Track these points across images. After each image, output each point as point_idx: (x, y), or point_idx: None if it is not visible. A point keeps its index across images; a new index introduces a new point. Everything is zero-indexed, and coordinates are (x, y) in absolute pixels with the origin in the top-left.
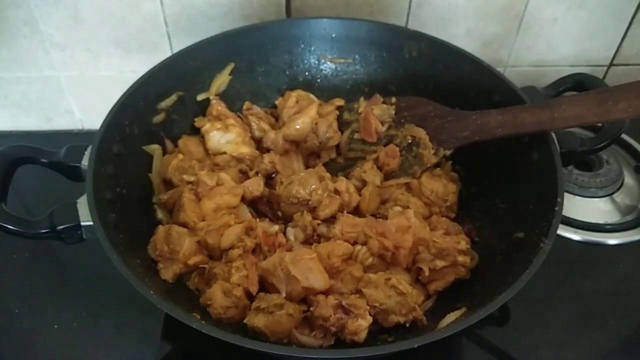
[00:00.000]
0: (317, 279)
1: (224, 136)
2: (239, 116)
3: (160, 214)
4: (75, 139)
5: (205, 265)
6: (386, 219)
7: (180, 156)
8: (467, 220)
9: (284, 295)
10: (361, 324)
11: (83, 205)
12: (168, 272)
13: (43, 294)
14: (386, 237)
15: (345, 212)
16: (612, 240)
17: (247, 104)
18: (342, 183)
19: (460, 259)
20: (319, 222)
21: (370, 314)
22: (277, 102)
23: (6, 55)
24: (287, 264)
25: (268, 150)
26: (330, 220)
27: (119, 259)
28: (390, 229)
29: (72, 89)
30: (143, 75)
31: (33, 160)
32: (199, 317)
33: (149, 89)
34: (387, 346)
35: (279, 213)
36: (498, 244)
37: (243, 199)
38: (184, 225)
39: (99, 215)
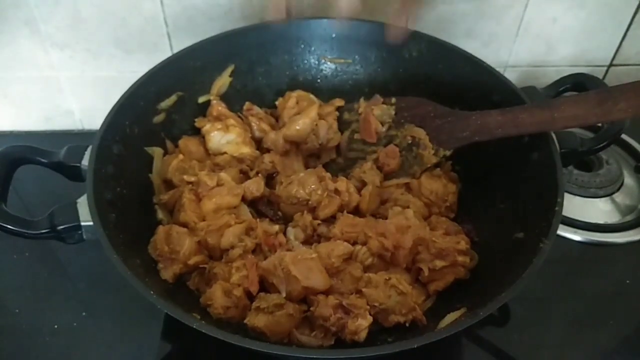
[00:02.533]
0: (318, 279)
1: (224, 136)
2: (239, 116)
3: (160, 214)
4: (75, 139)
5: (205, 266)
6: (386, 219)
7: (181, 156)
8: (466, 220)
9: (284, 295)
10: (361, 324)
11: (83, 206)
12: (168, 272)
13: (43, 294)
14: (386, 237)
15: (345, 212)
16: (612, 240)
17: (247, 105)
18: (342, 183)
19: (460, 259)
20: (319, 222)
21: (370, 314)
22: (277, 103)
23: (6, 55)
24: (287, 264)
25: (268, 151)
26: (330, 220)
27: (119, 259)
28: (389, 229)
29: (72, 89)
30: (143, 75)
31: (33, 160)
32: (199, 317)
33: (149, 89)
34: (387, 346)
35: (279, 213)
36: (498, 244)
37: (243, 199)
38: (184, 225)
39: (99, 216)
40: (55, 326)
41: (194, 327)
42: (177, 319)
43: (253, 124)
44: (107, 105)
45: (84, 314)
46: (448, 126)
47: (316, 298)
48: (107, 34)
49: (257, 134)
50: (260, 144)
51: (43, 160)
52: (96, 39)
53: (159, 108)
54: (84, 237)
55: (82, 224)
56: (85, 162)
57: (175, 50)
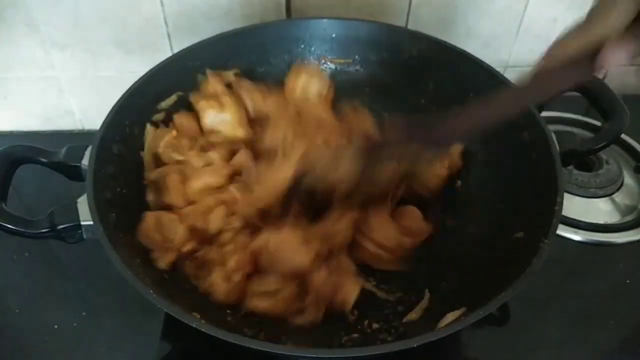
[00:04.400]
0: (301, 258)
1: (218, 115)
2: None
3: (150, 196)
4: (75, 139)
5: (198, 254)
6: None
7: (174, 132)
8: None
9: (277, 277)
10: (353, 290)
11: (83, 205)
12: (163, 261)
13: (43, 294)
14: None
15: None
16: (612, 240)
17: (234, 76)
18: None
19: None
20: None
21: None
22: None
23: (6, 55)
24: (271, 249)
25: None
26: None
27: (119, 258)
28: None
29: (72, 89)
30: (143, 75)
31: (33, 160)
32: (198, 316)
33: (149, 89)
34: (387, 346)
35: None
36: (498, 244)
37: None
38: (169, 207)
39: (99, 215)
40: (55, 326)
41: (194, 326)
42: (177, 318)
43: (246, 99)
44: (107, 105)
45: (84, 314)
46: (436, 137)
47: (307, 271)
48: (107, 34)
49: (251, 107)
50: (255, 122)
51: (43, 160)
52: (96, 39)
53: (159, 108)
54: (84, 236)
55: (82, 223)
56: (85, 162)
57: (175, 50)
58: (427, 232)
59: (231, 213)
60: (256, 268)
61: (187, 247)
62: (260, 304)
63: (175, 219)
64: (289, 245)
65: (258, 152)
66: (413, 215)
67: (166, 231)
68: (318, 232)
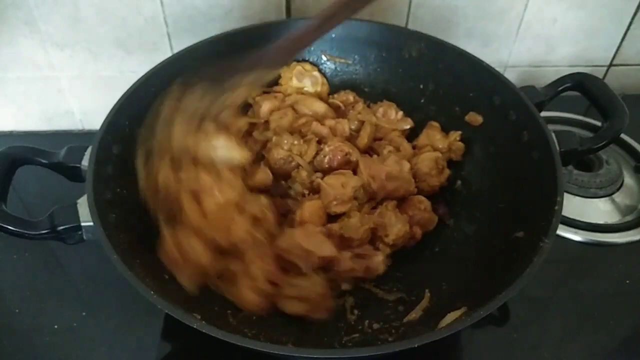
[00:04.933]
0: (328, 248)
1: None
2: None
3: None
4: (75, 139)
5: (222, 271)
6: (378, 155)
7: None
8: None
9: (307, 272)
10: (379, 259)
11: (83, 206)
12: (187, 280)
13: (43, 294)
14: (374, 180)
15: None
16: (612, 240)
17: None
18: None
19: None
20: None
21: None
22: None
23: (6, 55)
24: (300, 242)
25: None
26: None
27: (119, 259)
28: (379, 174)
29: (72, 89)
30: (143, 75)
31: (33, 160)
32: (199, 317)
33: (149, 89)
34: (387, 346)
35: (283, 182)
36: (498, 244)
37: (255, 189)
38: (187, 224)
39: (100, 216)
40: (55, 326)
41: (194, 327)
42: (177, 318)
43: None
44: (107, 105)
45: (84, 314)
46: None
47: (336, 257)
48: (107, 34)
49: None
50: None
51: (43, 160)
52: (96, 39)
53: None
54: (84, 237)
55: (82, 224)
56: (85, 162)
57: (175, 50)
58: (435, 223)
59: (253, 225)
60: (284, 270)
61: (209, 263)
62: (295, 307)
63: (193, 236)
64: (315, 236)
65: (269, 165)
66: (422, 206)
67: (185, 250)
68: (335, 229)
